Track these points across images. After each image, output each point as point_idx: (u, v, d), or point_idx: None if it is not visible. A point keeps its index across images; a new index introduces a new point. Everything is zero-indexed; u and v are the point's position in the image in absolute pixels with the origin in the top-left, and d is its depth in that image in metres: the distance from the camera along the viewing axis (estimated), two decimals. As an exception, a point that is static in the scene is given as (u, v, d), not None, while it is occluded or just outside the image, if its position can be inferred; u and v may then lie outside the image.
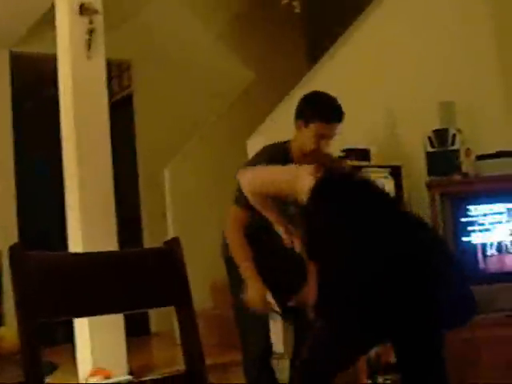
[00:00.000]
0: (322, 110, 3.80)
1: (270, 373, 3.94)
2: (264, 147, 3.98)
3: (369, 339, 2.95)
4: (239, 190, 3.78)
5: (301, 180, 3.08)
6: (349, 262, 2.84)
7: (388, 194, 3.48)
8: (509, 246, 4.81)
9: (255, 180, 3.33)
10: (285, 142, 3.92)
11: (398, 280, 2.71)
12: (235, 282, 3.89)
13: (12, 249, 1.88)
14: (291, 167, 3.35)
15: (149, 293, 2.09)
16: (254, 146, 5.16)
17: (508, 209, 4.84)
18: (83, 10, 4.79)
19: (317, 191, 3.00)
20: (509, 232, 4.81)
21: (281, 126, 5.13)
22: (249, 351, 3.94)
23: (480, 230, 4.83)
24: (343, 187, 3.08)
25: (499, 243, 4.82)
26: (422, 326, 2.82)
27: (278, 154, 3.80)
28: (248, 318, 3.86)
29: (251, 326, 3.91)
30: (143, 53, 7.15)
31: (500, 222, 4.84)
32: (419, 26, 5.80)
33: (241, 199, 3.74)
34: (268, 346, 3.97)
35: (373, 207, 2.97)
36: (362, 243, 2.83)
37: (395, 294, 2.72)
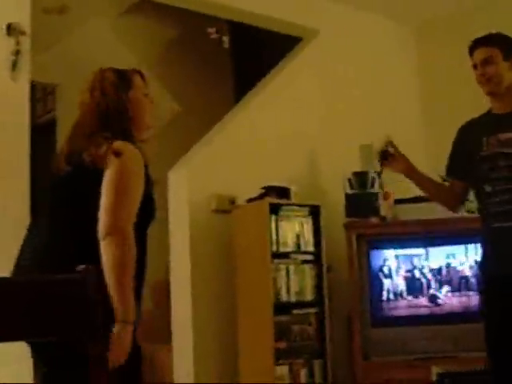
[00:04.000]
0: None
1: None
2: None
3: None
4: None
5: None
6: None
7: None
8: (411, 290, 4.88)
9: None
10: None
11: None
12: None
13: None
14: None
15: (56, 323, 2.03)
16: (176, 178, 5.15)
17: (426, 251, 4.91)
18: (10, 30, 4.72)
19: None
20: (420, 276, 4.88)
21: (203, 158, 5.14)
22: None
23: (391, 273, 4.90)
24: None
25: (409, 286, 4.89)
26: None
27: None
28: None
29: None
30: (69, 77, 7.08)
31: (414, 267, 4.91)
32: (340, 75, 5.92)
33: None
34: None
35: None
36: None
37: None
